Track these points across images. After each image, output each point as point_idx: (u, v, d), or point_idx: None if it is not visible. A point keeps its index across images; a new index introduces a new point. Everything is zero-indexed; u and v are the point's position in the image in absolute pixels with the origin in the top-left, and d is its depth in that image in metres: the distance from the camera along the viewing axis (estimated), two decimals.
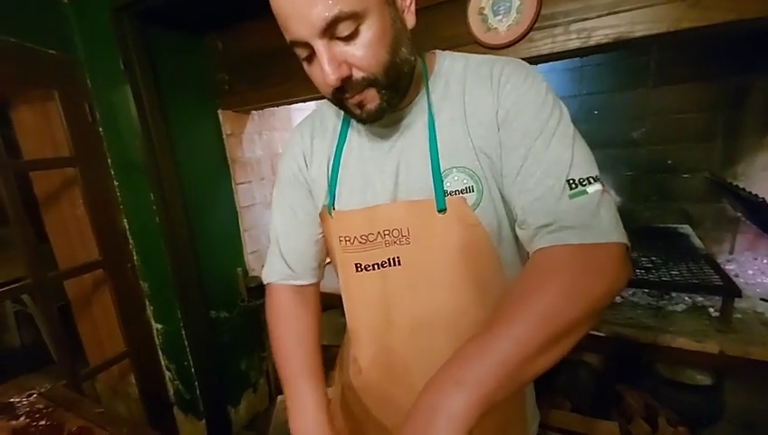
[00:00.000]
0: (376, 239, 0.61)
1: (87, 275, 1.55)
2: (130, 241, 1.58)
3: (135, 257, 1.60)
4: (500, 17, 1.02)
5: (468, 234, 0.58)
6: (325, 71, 0.49)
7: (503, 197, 0.58)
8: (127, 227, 1.57)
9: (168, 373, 1.75)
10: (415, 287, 0.61)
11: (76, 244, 1.61)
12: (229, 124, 1.74)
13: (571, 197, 0.49)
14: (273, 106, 1.74)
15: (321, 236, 0.72)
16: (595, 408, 1.35)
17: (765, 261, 1.44)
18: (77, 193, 1.48)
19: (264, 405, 2.03)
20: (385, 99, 0.53)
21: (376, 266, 0.62)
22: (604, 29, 0.93)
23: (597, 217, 0.48)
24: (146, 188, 1.46)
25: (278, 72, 1.47)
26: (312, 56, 0.51)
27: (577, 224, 0.48)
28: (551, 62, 1.60)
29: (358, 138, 0.64)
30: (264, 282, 0.76)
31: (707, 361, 1.02)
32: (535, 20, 0.98)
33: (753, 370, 0.96)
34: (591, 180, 0.49)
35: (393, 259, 0.61)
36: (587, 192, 0.49)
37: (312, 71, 0.53)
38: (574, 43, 0.97)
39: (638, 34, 0.90)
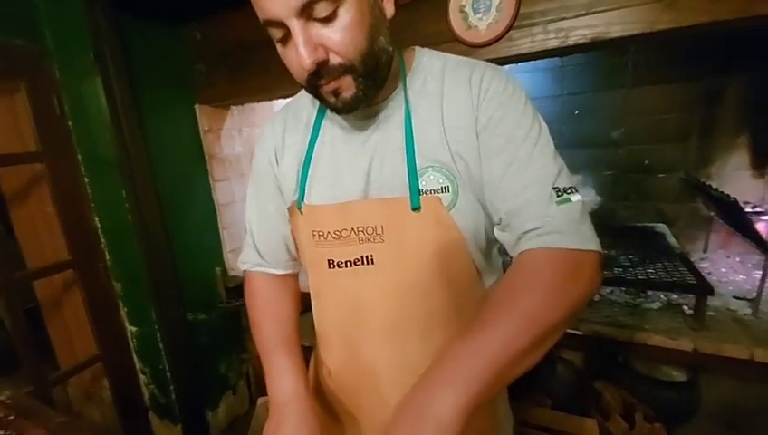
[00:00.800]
0: (350, 235, 0.59)
1: (57, 275, 1.49)
2: (102, 240, 1.53)
3: (107, 257, 1.55)
4: (480, 15, 1.01)
5: (442, 235, 0.57)
6: (300, 53, 0.47)
7: (479, 200, 0.57)
8: (98, 224, 1.51)
9: (142, 377, 1.69)
10: (387, 288, 0.60)
11: (46, 242, 1.55)
12: (207, 119, 1.69)
13: (558, 203, 0.51)
14: (253, 101, 1.70)
15: (288, 230, 0.70)
16: (575, 405, 1.36)
17: (737, 259, 1.48)
18: (45, 189, 1.42)
19: (244, 408, 1.99)
20: (361, 88, 0.51)
21: (349, 264, 0.60)
22: (581, 29, 0.94)
23: (580, 225, 0.51)
24: (118, 184, 1.41)
25: (259, 66, 1.44)
26: (286, 38, 0.49)
27: (564, 229, 0.50)
28: (532, 62, 1.63)
29: (331, 131, 0.63)
30: (241, 269, 0.76)
31: (682, 358, 1.04)
32: (514, 19, 0.98)
33: (726, 367, 0.98)
34: (573, 190, 0.52)
35: (366, 257, 0.59)
36: (571, 200, 0.51)
37: (286, 53, 0.51)
38: (553, 43, 0.97)
39: (614, 35, 0.91)
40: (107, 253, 1.54)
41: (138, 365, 1.68)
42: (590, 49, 1.01)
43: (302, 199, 0.63)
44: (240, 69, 1.51)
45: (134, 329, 1.62)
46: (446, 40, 1.08)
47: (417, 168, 0.56)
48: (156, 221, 1.50)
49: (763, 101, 1.40)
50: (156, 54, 1.51)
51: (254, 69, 1.46)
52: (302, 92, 0.67)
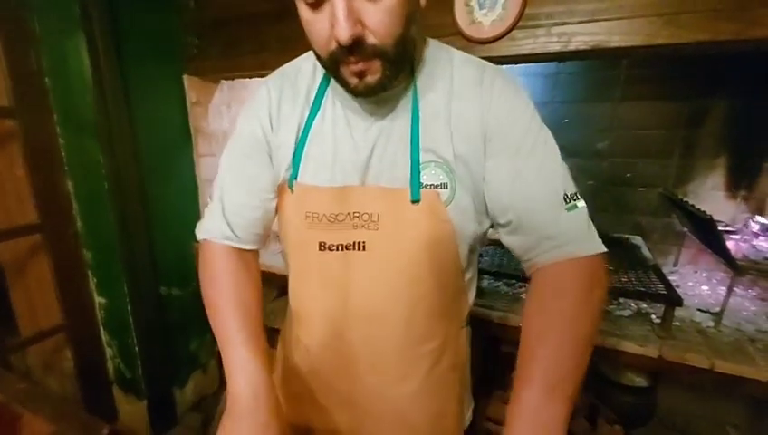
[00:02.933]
0: (344, 220, 0.59)
1: (23, 238, 1.42)
2: (74, 205, 1.46)
3: (78, 224, 1.48)
4: (485, 11, 1.01)
5: (438, 229, 0.57)
6: (340, 24, 0.44)
7: (473, 202, 0.58)
8: (71, 190, 1.44)
9: (108, 350, 1.64)
10: (376, 274, 0.60)
11: (12, 204, 1.47)
12: (195, 92, 1.63)
13: (568, 210, 0.54)
14: (245, 77, 1.64)
15: (273, 204, 0.66)
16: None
17: (704, 275, 1.55)
18: (15, 148, 1.34)
19: (214, 388, 1.96)
20: (387, 74, 0.50)
21: (340, 247, 0.59)
22: (583, 35, 0.95)
23: (590, 230, 0.54)
24: (95, 149, 1.34)
25: (254, 41, 1.39)
26: (320, 2, 0.46)
27: (579, 237, 0.53)
28: (529, 66, 1.64)
29: (333, 108, 0.60)
30: (199, 238, 0.67)
31: (647, 364, 1.08)
32: (519, 18, 0.98)
33: (687, 374, 1.03)
34: (577, 195, 0.55)
35: (358, 243, 0.59)
36: (577, 206, 0.54)
37: (315, 20, 0.47)
38: (554, 47, 0.98)
39: (614, 45, 0.92)
40: (78, 219, 1.48)
41: (104, 338, 1.62)
42: (590, 57, 1.02)
43: (295, 178, 0.61)
44: (234, 43, 1.45)
45: (102, 300, 1.57)
46: (449, 33, 1.07)
47: (420, 161, 0.56)
48: (133, 191, 1.45)
49: (744, 125, 1.45)
50: (145, 18, 1.44)
51: (250, 44, 1.41)
52: (303, 60, 0.64)
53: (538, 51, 0.99)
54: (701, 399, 1.43)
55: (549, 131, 0.57)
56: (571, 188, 0.55)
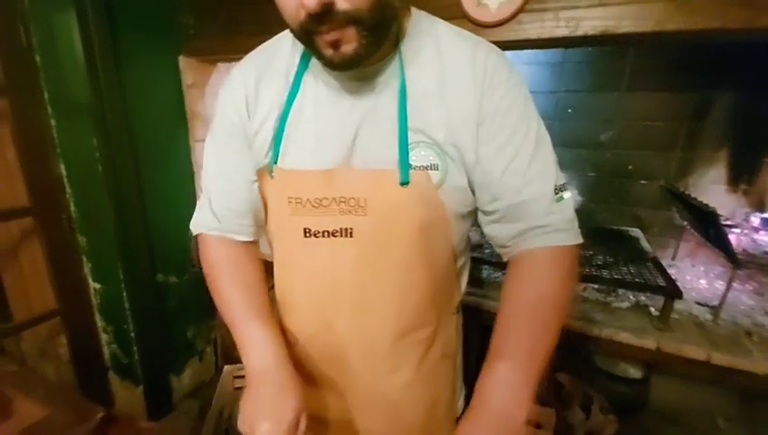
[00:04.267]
0: (330, 205, 0.55)
1: (15, 222, 1.39)
2: (68, 189, 1.43)
3: (72, 208, 1.45)
4: None
5: (428, 212, 0.55)
6: None
7: (466, 185, 0.57)
8: (64, 172, 1.41)
9: (104, 336, 1.63)
10: (365, 262, 0.57)
11: (2, 187, 1.44)
12: (191, 73, 1.59)
13: (557, 201, 0.54)
14: None
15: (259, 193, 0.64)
16: (535, 394, 1.41)
17: (702, 268, 1.55)
18: (5, 128, 1.31)
19: (210, 375, 1.96)
20: (364, 43, 0.46)
21: (326, 234, 0.57)
22: (592, 20, 0.92)
23: (574, 222, 0.56)
24: (89, 131, 1.31)
25: (254, 20, 1.35)
26: None
27: (566, 228, 0.54)
28: (535, 54, 1.61)
29: (314, 87, 0.56)
30: (193, 232, 0.68)
31: (644, 355, 1.08)
32: (526, 1, 0.95)
33: (684, 366, 1.03)
34: (565, 186, 0.55)
35: (345, 230, 0.56)
36: (564, 198, 0.55)
37: None
38: (562, 31, 0.95)
39: (623, 30, 0.90)
40: (72, 204, 1.45)
41: (99, 323, 1.61)
42: (598, 43, 1.00)
43: (275, 162, 0.57)
44: (233, 23, 1.41)
45: (98, 286, 1.55)
46: (454, 16, 1.04)
47: (409, 141, 0.53)
48: (129, 175, 1.42)
49: (747, 118, 1.44)
50: None
51: (250, 25, 1.37)
52: (281, 37, 0.61)
53: (545, 36, 0.96)
54: (692, 390, 1.45)
55: (540, 117, 0.55)
56: (561, 179, 0.55)
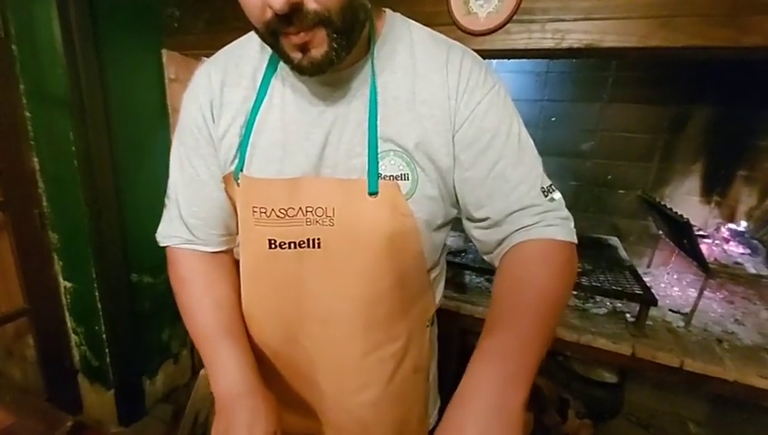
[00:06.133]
0: (296, 215, 0.53)
1: None
2: (40, 184, 1.37)
3: (44, 204, 1.39)
4: (481, 2, 0.99)
5: (398, 223, 0.53)
6: None
7: (439, 194, 0.55)
8: (37, 167, 1.35)
9: (74, 337, 1.57)
10: (332, 274, 0.55)
11: None
12: (174, 68, 1.55)
13: (548, 201, 0.53)
14: None
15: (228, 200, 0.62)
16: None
17: (675, 276, 1.60)
18: None
19: (185, 379, 1.91)
20: (334, 46, 0.44)
21: (293, 245, 0.54)
22: (577, 33, 0.95)
23: (569, 221, 0.54)
24: (66, 125, 1.26)
25: (241, 15, 1.32)
26: None
27: (558, 223, 0.52)
28: (520, 62, 1.64)
29: (282, 92, 0.54)
30: (161, 244, 0.64)
31: (619, 361, 1.11)
32: (515, 11, 0.97)
33: (657, 371, 1.06)
34: (553, 187, 0.54)
35: (312, 240, 0.54)
36: (554, 199, 0.54)
37: None
38: (548, 43, 0.97)
39: (607, 44, 0.92)
40: (44, 199, 1.39)
41: (70, 324, 1.55)
42: (583, 55, 1.02)
43: (241, 170, 0.55)
44: (219, 17, 1.38)
45: (69, 285, 1.49)
46: (443, 23, 1.05)
47: (379, 150, 0.51)
48: (105, 171, 1.37)
49: (722, 132, 1.50)
50: None
51: (236, 19, 1.33)
52: (247, 39, 0.58)
53: (532, 46, 0.98)
54: (665, 395, 1.49)
55: (520, 117, 0.54)
56: (546, 181, 0.54)
